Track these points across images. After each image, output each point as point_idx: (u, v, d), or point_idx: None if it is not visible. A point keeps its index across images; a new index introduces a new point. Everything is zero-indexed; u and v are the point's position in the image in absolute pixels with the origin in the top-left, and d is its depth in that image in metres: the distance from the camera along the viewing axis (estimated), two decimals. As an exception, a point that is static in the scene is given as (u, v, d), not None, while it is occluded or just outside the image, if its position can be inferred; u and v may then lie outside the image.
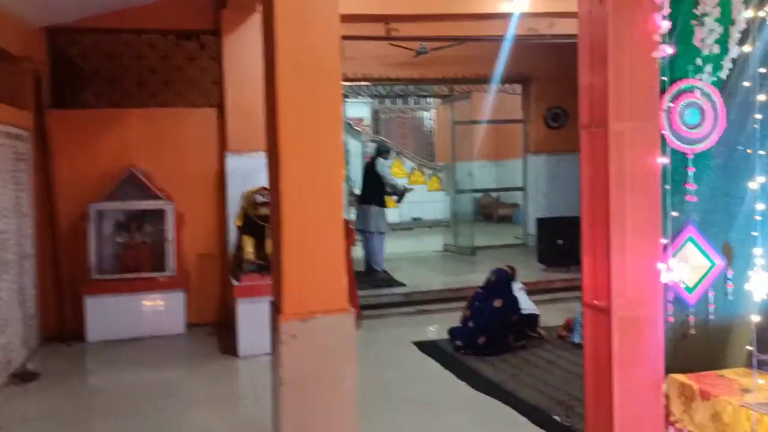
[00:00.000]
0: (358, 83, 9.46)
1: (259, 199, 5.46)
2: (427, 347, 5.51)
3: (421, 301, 6.95)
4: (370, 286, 7.38)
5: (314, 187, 2.95)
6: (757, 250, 3.07)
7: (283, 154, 2.96)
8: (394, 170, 14.58)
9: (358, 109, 13.93)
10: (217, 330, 6.17)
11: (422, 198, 14.76)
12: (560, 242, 7.86)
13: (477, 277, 7.79)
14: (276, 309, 3.08)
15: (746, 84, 3.07)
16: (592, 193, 2.96)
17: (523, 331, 5.50)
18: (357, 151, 14.42)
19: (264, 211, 5.44)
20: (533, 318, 5.70)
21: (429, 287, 7.28)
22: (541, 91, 10.33)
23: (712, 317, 3.11)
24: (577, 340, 5.29)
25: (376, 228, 7.90)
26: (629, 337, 2.88)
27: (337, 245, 2.96)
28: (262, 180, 5.99)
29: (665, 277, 2.93)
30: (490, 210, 15.24)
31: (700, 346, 3.16)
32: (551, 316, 6.30)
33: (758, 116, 3.06)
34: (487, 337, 5.15)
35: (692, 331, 3.12)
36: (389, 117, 15.42)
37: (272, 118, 3.07)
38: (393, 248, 11.02)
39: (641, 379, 2.88)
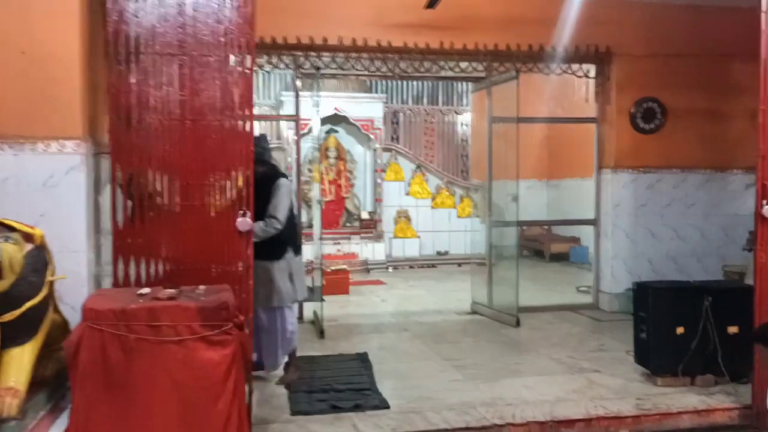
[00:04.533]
0: (339, 53, 6.08)
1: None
2: None
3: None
4: (324, 404, 3.94)
5: None
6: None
7: None
8: (415, 188, 11.16)
9: (367, 108, 10.56)
10: None
11: (451, 226, 11.26)
12: (680, 331, 4.27)
13: (525, 387, 4.27)
14: None
15: None
16: None
17: None
18: (367, 162, 11.07)
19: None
20: None
21: (433, 424, 3.75)
22: (626, 75, 6.76)
23: None
24: None
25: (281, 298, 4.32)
26: None
27: None
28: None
29: None
30: (541, 244, 11.59)
31: None
32: None
33: None
34: None
35: None
36: (413, 120, 12.02)
37: None
38: (399, 303, 7.57)
39: None
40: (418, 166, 11.23)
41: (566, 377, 4.53)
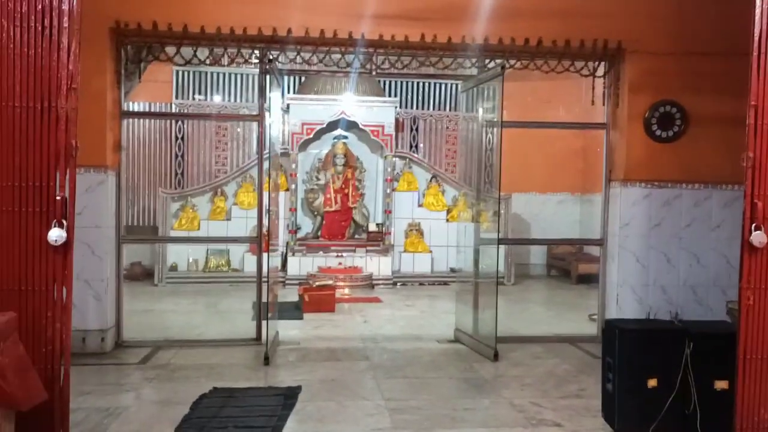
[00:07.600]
0: (307, 47, 5.47)
1: None
2: None
3: None
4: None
5: None
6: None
7: None
8: (429, 200, 10.43)
9: (378, 113, 9.93)
10: None
11: (466, 240, 10.42)
12: (652, 384, 3.40)
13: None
14: None
15: None
16: None
17: None
18: (379, 170, 10.42)
19: None
20: None
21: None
22: (640, 75, 5.84)
23: None
24: None
25: None
26: None
27: None
28: None
29: None
30: (568, 264, 10.59)
31: None
32: None
33: None
34: None
35: None
36: (434, 127, 11.29)
37: None
38: (380, 325, 6.86)
39: None
40: (434, 176, 10.49)
41: (515, 431, 3.73)
